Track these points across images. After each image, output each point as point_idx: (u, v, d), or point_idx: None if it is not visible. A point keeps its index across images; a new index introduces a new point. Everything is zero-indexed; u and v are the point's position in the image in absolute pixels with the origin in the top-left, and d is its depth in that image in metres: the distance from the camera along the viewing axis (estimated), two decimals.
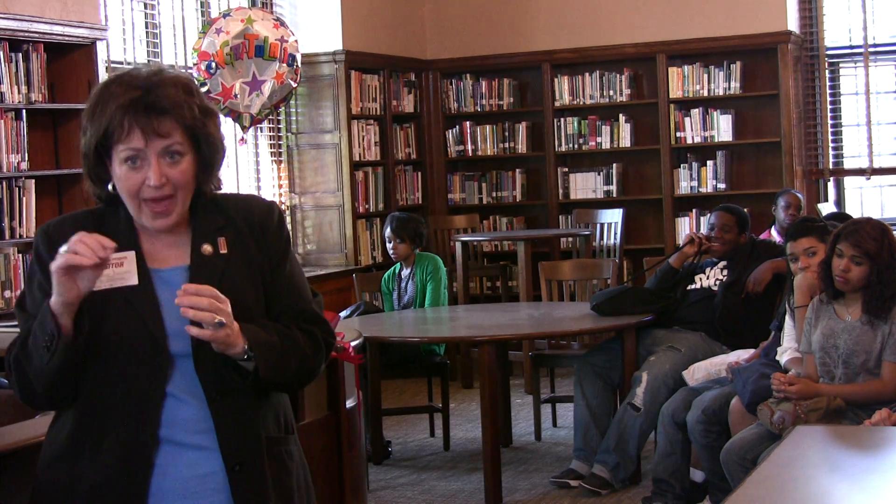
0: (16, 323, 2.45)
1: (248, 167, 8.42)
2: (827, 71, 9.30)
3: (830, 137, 9.35)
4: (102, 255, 2.19)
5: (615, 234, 8.90)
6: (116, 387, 2.31)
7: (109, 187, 2.36)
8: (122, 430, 2.31)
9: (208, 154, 2.37)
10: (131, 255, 2.27)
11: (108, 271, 2.24)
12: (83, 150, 2.33)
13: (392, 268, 7.01)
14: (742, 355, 5.27)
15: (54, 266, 2.19)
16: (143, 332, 2.31)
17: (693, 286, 5.96)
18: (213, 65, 6.95)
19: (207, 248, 2.39)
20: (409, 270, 6.87)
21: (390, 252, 6.93)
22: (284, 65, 6.98)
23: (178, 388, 2.33)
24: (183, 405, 2.33)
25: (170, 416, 2.32)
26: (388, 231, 6.89)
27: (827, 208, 8.79)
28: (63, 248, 2.18)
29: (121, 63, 7.13)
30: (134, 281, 2.28)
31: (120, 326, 2.30)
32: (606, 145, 9.43)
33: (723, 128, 9.12)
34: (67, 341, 2.23)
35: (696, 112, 9.16)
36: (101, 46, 6.53)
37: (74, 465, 2.33)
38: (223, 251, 2.40)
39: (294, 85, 7.23)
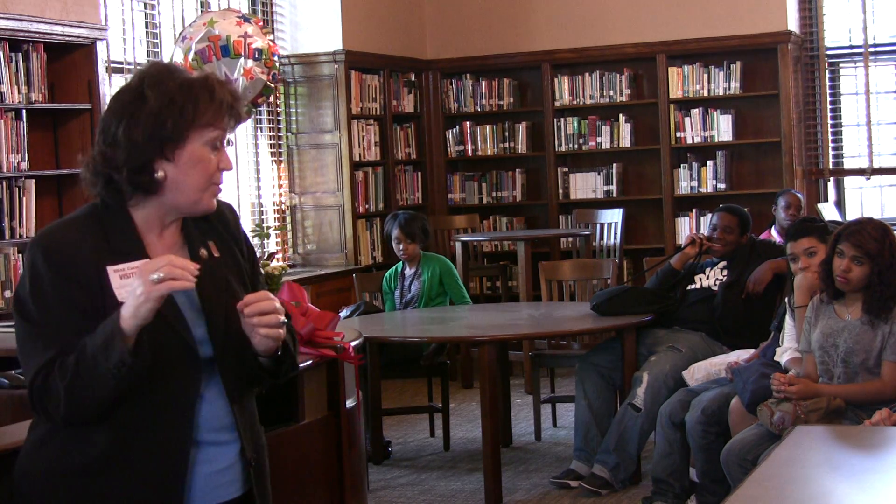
0: (12, 323, 2.44)
1: (248, 167, 8.42)
2: (827, 71, 9.30)
3: (830, 137, 9.35)
4: (195, 276, 2.25)
5: (615, 234, 8.90)
6: (155, 394, 2.35)
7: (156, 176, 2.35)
8: (160, 436, 2.35)
9: None
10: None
11: (129, 281, 2.26)
12: (138, 138, 2.32)
13: (394, 266, 7.01)
14: (742, 355, 5.27)
15: (153, 293, 2.20)
16: (177, 339, 2.36)
17: (693, 286, 5.96)
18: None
19: (204, 252, 2.45)
20: (413, 269, 6.87)
21: (399, 252, 6.89)
22: (250, 60, 6.93)
23: (205, 390, 2.41)
24: (208, 406, 2.41)
25: (199, 417, 2.40)
26: (395, 231, 6.84)
27: (827, 208, 8.79)
28: (155, 276, 2.19)
29: (121, 63, 7.13)
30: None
31: (154, 336, 2.29)
32: (606, 145, 9.43)
33: (723, 128, 9.12)
34: (138, 367, 2.25)
35: (696, 112, 9.16)
36: (101, 46, 6.52)
37: (103, 477, 2.34)
38: (216, 255, 2.47)
39: (265, 79, 7.13)
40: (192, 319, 2.39)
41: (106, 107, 2.41)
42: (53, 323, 2.30)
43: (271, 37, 7.20)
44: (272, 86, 7.10)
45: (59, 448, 2.37)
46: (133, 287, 2.23)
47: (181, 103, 2.32)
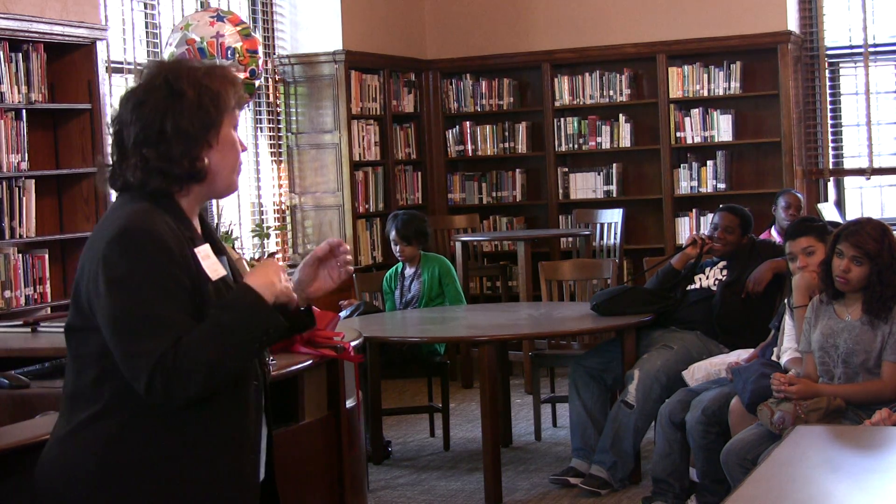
0: (18, 323, 2.45)
1: (248, 167, 8.42)
2: (827, 71, 9.30)
3: (830, 137, 9.35)
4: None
5: (615, 234, 8.90)
6: (237, 383, 2.49)
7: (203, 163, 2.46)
8: (235, 418, 2.46)
9: None
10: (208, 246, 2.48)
11: (208, 263, 2.43)
12: (189, 128, 2.42)
13: (394, 266, 7.01)
14: (742, 355, 5.26)
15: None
16: None
17: (692, 286, 5.96)
18: None
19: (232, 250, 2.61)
20: (413, 269, 6.87)
21: (396, 254, 6.90)
22: (224, 60, 6.89)
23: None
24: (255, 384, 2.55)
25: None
26: (392, 234, 6.86)
27: (827, 208, 8.79)
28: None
29: (121, 63, 7.13)
30: (224, 271, 2.50)
31: None
32: (606, 145, 9.43)
33: (723, 128, 9.12)
34: (283, 331, 2.45)
35: (696, 112, 9.16)
36: (101, 46, 6.53)
37: (191, 462, 2.41)
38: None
39: (244, 76, 7.05)
40: None
41: (133, 109, 2.43)
42: (167, 306, 2.34)
43: (252, 31, 7.11)
44: (252, 83, 7.06)
45: (145, 437, 2.39)
46: (271, 275, 2.43)
47: (215, 90, 2.44)
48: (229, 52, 6.81)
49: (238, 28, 6.91)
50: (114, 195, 2.53)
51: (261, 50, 7.04)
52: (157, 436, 2.38)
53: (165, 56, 6.87)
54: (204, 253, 2.44)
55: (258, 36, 7.33)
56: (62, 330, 4.24)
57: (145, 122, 2.41)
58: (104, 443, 2.38)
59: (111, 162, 2.50)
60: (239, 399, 2.46)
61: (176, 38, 6.84)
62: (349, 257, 2.67)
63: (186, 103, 2.41)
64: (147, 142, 2.41)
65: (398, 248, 6.83)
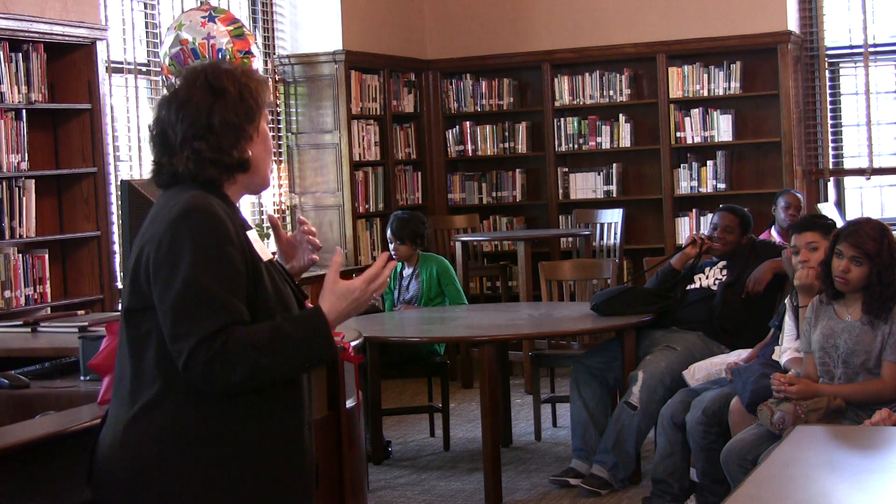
0: (18, 323, 2.45)
1: None
2: (827, 71, 9.30)
3: (830, 137, 9.35)
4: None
5: (615, 234, 8.90)
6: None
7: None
8: (291, 393, 2.56)
9: None
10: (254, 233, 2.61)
11: (258, 246, 2.57)
12: (235, 121, 2.55)
13: (394, 266, 7.01)
14: (742, 355, 5.27)
15: (379, 286, 2.58)
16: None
17: (692, 286, 5.96)
18: (164, 78, 6.92)
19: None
20: (411, 270, 6.88)
21: (391, 253, 6.92)
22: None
23: None
24: None
25: None
26: (388, 233, 6.90)
27: (827, 208, 8.79)
28: (375, 282, 2.56)
29: (121, 63, 7.13)
30: (270, 254, 2.66)
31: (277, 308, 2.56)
32: (606, 145, 9.43)
33: (723, 128, 9.12)
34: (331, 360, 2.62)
35: (696, 112, 9.16)
36: (101, 46, 6.53)
37: (244, 440, 2.49)
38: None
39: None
40: None
41: (178, 109, 2.55)
42: (223, 287, 2.42)
43: (245, 30, 7.08)
44: None
45: (205, 415, 2.47)
46: (345, 289, 2.53)
47: (253, 87, 2.59)
48: (220, 53, 6.79)
49: (230, 28, 6.87)
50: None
51: (255, 49, 7.01)
52: (216, 412, 2.46)
53: (161, 56, 6.87)
54: (254, 237, 2.58)
55: (254, 34, 7.29)
56: (62, 330, 4.24)
57: (192, 119, 2.53)
58: (168, 426, 2.46)
59: (153, 162, 2.62)
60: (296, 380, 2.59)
61: (170, 38, 6.84)
62: (307, 227, 2.97)
63: (229, 98, 2.54)
64: (196, 136, 2.53)
65: (392, 246, 6.85)
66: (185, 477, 2.44)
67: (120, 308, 2.67)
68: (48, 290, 6.23)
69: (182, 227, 2.44)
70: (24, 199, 6.11)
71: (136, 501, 2.47)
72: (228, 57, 6.85)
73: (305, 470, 2.62)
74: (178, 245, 2.43)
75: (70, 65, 6.45)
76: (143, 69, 7.39)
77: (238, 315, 2.43)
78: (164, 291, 2.42)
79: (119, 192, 6.19)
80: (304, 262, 2.96)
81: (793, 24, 9.05)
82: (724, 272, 5.90)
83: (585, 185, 9.51)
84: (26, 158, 6.11)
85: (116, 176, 6.83)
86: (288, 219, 8.81)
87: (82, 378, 3.52)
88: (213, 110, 2.53)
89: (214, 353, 2.38)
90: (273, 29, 8.69)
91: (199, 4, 7.93)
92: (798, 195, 7.84)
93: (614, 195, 9.40)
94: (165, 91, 2.62)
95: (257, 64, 7.01)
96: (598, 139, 9.44)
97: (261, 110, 2.60)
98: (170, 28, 6.93)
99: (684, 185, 9.23)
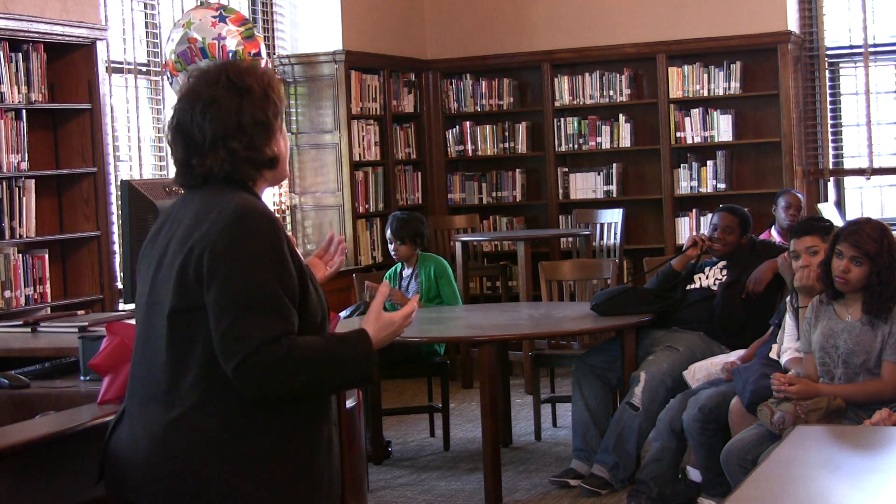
0: (18, 323, 2.45)
1: None
2: (827, 71, 9.30)
3: (830, 137, 9.35)
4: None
5: (615, 234, 8.90)
6: None
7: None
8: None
9: None
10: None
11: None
12: (263, 119, 2.59)
13: (394, 267, 7.01)
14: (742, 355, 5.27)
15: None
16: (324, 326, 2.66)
17: (692, 286, 5.96)
18: (168, 75, 6.93)
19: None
20: (411, 270, 6.88)
21: (392, 253, 6.93)
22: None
23: None
24: None
25: None
26: (388, 233, 6.90)
27: (827, 208, 8.79)
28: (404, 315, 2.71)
29: (121, 63, 7.12)
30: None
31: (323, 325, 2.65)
32: (606, 145, 9.43)
33: (723, 128, 9.12)
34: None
35: (696, 112, 9.16)
36: (101, 46, 6.53)
37: (289, 437, 2.56)
38: None
39: None
40: None
41: (204, 109, 2.56)
42: (279, 291, 2.46)
43: (256, 32, 7.09)
44: None
45: (256, 416, 2.50)
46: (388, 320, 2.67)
47: (274, 84, 2.63)
48: (230, 55, 6.79)
49: (240, 28, 6.86)
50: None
51: (264, 51, 7.02)
52: (263, 411, 2.49)
53: (167, 53, 6.86)
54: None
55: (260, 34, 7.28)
56: (62, 330, 4.23)
57: (222, 119, 2.56)
58: (219, 424, 2.47)
59: (179, 163, 2.62)
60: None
61: (177, 35, 6.82)
62: (344, 245, 3.15)
63: (255, 96, 2.58)
64: (228, 136, 2.56)
65: (392, 247, 6.85)
66: (241, 472, 2.47)
67: (138, 305, 2.66)
68: (48, 290, 6.23)
69: (241, 229, 2.47)
70: (24, 199, 6.11)
71: (189, 500, 2.48)
72: (239, 59, 6.84)
73: (335, 465, 2.68)
74: (238, 247, 2.46)
75: (70, 65, 6.45)
76: (143, 69, 7.39)
77: (294, 323, 2.48)
78: (222, 291, 2.44)
79: (119, 192, 6.19)
80: (324, 275, 3.12)
81: (793, 24, 9.05)
82: (724, 272, 5.90)
83: (585, 185, 9.51)
84: (26, 158, 6.11)
85: (116, 176, 6.84)
86: (288, 219, 8.81)
87: (82, 378, 3.51)
88: (242, 109, 2.56)
89: (276, 360, 2.42)
90: (273, 29, 8.69)
91: (198, 3, 7.92)
92: (798, 195, 7.84)
93: (614, 195, 9.40)
94: (178, 90, 2.66)
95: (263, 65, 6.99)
96: (598, 139, 9.44)
97: (282, 106, 2.65)
98: (177, 25, 6.92)
99: (684, 185, 9.23)
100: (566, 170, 9.55)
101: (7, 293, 5.99)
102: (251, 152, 2.57)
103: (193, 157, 2.58)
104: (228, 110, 2.55)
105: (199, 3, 7.93)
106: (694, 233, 8.16)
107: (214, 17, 6.87)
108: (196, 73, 2.62)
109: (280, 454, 2.51)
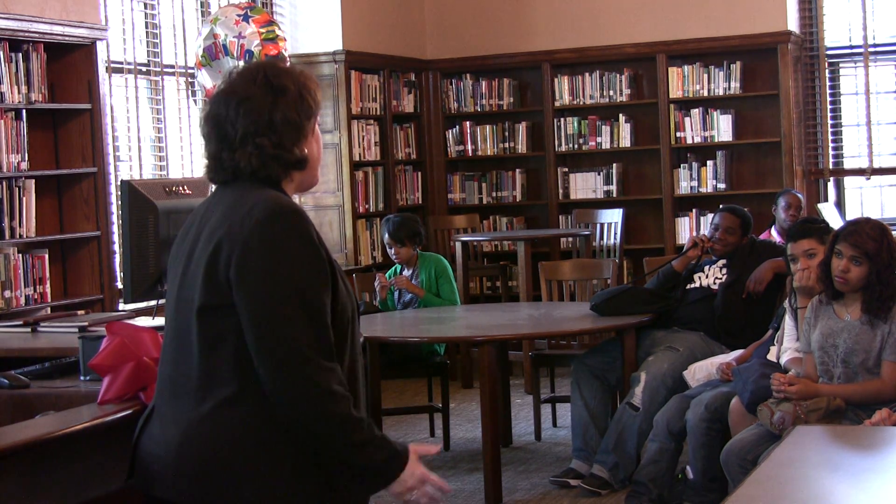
0: (18, 323, 2.45)
1: None
2: (827, 71, 9.30)
3: (830, 137, 9.34)
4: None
5: (615, 234, 8.90)
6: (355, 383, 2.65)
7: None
8: (355, 389, 2.60)
9: None
10: None
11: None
12: (296, 119, 2.60)
13: (394, 266, 7.01)
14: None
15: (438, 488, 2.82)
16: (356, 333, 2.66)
17: (692, 285, 5.96)
18: (195, 69, 6.97)
19: None
20: (411, 270, 6.87)
21: (392, 257, 6.92)
22: (241, 62, 6.89)
23: None
24: None
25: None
26: (386, 237, 6.89)
27: (827, 208, 8.79)
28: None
29: (121, 63, 7.12)
30: None
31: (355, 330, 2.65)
32: (606, 145, 9.43)
33: (723, 128, 9.12)
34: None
35: (696, 112, 9.16)
36: (101, 46, 6.53)
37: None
38: None
39: None
40: None
41: (238, 105, 2.58)
42: (320, 291, 2.50)
43: (279, 34, 7.11)
44: None
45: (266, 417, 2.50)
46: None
47: (311, 87, 2.64)
48: (247, 55, 6.81)
49: (261, 30, 6.91)
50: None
51: (284, 54, 7.04)
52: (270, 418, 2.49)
53: (194, 47, 6.91)
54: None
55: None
56: (62, 330, 4.22)
57: (254, 116, 2.57)
58: (253, 420, 2.47)
59: (210, 157, 2.63)
60: (355, 375, 2.61)
61: (205, 30, 6.88)
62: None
63: (290, 97, 2.59)
64: (258, 132, 2.57)
65: (393, 250, 6.85)
66: (272, 466, 2.47)
67: (166, 301, 2.67)
68: (48, 290, 6.23)
69: (275, 228, 2.48)
70: (24, 199, 6.11)
71: (226, 494, 2.48)
72: (256, 59, 6.88)
73: None
74: (273, 246, 2.47)
75: (70, 65, 6.45)
76: (143, 69, 7.39)
77: (327, 329, 2.49)
78: (257, 294, 2.44)
79: (119, 192, 6.19)
80: None
81: (793, 24, 9.05)
82: (724, 271, 5.90)
83: (585, 185, 9.51)
84: (26, 158, 6.11)
85: (116, 176, 6.84)
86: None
87: (82, 378, 3.51)
88: (275, 108, 2.58)
89: (340, 397, 2.46)
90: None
91: (199, 4, 7.93)
92: (799, 195, 7.84)
93: (614, 195, 9.40)
94: (210, 85, 2.68)
95: None
96: (598, 139, 9.44)
97: (318, 110, 2.66)
98: (205, 20, 6.97)
99: (684, 185, 9.23)
100: (566, 170, 9.55)
101: (7, 293, 5.99)
102: (279, 150, 2.58)
103: (224, 150, 2.59)
104: (261, 107, 2.57)
105: (199, 4, 7.95)
106: (694, 233, 8.17)
107: (240, 15, 6.92)
108: (238, 71, 2.66)
109: (311, 448, 2.50)
